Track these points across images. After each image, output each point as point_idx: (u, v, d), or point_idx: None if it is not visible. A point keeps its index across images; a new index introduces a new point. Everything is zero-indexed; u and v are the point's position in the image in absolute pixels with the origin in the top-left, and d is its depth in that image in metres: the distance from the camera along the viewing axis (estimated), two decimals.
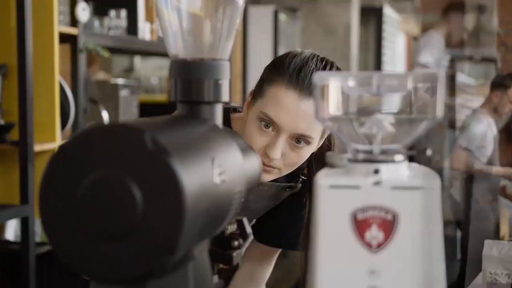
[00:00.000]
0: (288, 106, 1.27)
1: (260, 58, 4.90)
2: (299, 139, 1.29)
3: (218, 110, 0.78)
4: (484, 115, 4.18)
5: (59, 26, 2.76)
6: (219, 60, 0.78)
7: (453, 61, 4.70)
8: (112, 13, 3.33)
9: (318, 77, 0.69)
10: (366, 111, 0.70)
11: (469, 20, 4.60)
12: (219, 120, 0.78)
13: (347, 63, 5.87)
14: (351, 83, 0.68)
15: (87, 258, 0.61)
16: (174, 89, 0.77)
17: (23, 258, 2.60)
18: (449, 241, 4.14)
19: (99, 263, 0.61)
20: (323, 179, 0.67)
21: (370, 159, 0.68)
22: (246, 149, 0.83)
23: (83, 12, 2.89)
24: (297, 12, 5.93)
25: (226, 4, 0.80)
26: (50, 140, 2.71)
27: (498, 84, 4.04)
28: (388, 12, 7.67)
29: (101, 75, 4.34)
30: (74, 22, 2.90)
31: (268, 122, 1.29)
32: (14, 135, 2.59)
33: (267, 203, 1.47)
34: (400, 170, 0.68)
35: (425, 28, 9.15)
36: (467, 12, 4.54)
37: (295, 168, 1.35)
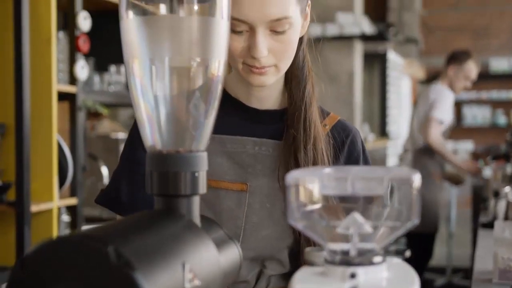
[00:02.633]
0: None
1: None
2: (277, 30, 1.19)
3: (195, 203, 0.76)
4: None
5: (58, 85, 2.76)
6: (196, 151, 0.76)
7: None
8: (113, 68, 3.34)
9: (291, 176, 0.66)
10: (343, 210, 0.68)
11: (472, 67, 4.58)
12: (196, 213, 0.76)
13: (351, 110, 5.86)
14: (326, 182, 0.66)
15: None
16: (150, 182, 0.75)
17: None
18: None
19: None
20: (298, 284, 0.64)
21: (347, 261, 0.65)
22: (224, 240, 0.81)
23: (82, 70, 2.89)
24: None
25: (203, 91, 0.78)
26: (47, 200, 2.68)
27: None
28: (392, 56, 7.70)
29: (106, 124, 4.33)
30: (73, 79, 2.90)
31: (237, 26, 1.17)
32: (11, 195, 2.57)
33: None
34: (378, 273, 0.65)
35: (430, 72, 9.19)
36: (469, 59, 4.52)
37: (291, 58, 1.25)
